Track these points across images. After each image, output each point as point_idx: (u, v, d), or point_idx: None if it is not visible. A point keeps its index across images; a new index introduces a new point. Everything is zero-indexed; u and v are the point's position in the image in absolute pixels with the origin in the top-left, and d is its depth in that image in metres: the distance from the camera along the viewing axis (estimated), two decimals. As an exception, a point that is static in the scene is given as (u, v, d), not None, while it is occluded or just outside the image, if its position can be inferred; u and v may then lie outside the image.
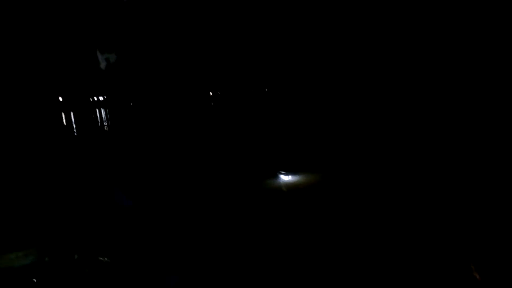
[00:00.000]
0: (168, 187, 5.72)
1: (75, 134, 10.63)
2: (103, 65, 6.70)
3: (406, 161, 6.20)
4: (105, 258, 3.21)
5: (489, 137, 6.42)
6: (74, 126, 10.77)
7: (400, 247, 3.47)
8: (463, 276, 2.59)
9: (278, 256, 3.50)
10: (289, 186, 5.43)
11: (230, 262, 3.43)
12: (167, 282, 3.14)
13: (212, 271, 3.27)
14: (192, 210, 4.80)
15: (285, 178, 5.76)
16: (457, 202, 4.28)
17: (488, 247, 3.04)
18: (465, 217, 3.90)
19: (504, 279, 2.54)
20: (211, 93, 10.46)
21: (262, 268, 3.35)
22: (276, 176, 5.80)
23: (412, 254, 3.29)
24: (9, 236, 3.01)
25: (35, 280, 2.67)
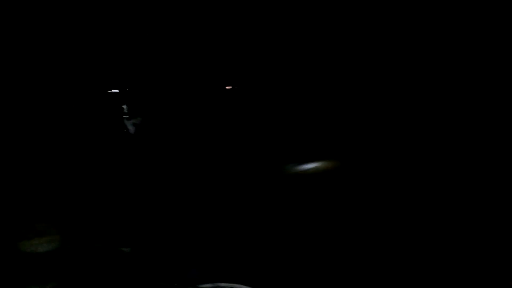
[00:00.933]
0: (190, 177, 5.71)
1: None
2: (132, 129, 6.83)
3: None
4: (127, 249, 3.19)
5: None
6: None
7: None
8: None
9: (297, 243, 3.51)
10: (309, 171, 5.66)
11: (250, 254, 3.40)
12: (188, 274, 3.12)
13: (231, 265, 3.24)
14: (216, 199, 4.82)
15: (305, 165, 6.05)
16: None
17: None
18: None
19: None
20: (229, 87, 10.41)
21: (282, 258, 3.33)
22: (297, 163, 6.01)
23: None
24: (34, 222, 3.03)
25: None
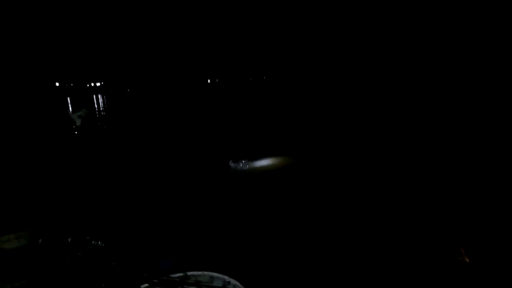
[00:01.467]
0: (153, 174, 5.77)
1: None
2: (78, 122, 7.03)
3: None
4: (99, 242, 3.21)
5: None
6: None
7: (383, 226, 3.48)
8: (454, 259, 2.62)
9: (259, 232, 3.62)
10: (267, 167, 5.88)
11: (216, 246, 3.49)
12: (160, 265, 3.16)
13: (202, 256, 3.30)
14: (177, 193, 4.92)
15: (262, 161, 6.30)
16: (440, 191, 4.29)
17: (476, 233, 3.08)
18: (450, 205, 3.91)
19: (489, 261, 2.58)
20: (209, 81, 10.39)
21: (244, 248, 3.45)
22: (254, 159, 6.24)
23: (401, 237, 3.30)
24: (1, 220, 3.01)
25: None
